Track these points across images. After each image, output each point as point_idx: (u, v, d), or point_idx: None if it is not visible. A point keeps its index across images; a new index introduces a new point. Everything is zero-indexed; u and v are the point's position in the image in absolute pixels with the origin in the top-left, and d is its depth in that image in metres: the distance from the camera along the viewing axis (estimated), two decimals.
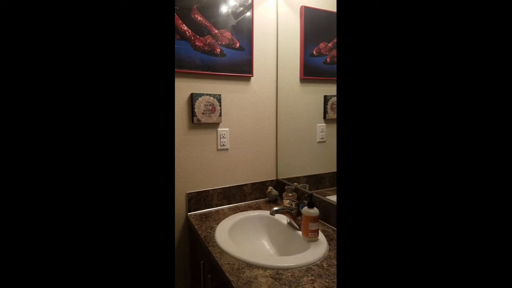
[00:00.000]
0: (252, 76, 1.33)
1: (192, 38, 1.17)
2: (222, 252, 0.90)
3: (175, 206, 1.24)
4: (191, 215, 1.23)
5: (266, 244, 1.13)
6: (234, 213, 1.22)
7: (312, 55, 1.22)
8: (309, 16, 1.23)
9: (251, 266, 0.82)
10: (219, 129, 1.29)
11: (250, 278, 0.76)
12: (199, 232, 1.06)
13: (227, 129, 1.31)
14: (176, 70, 1.16)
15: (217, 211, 1.27)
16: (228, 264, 0.83)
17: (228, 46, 1.25)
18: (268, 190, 1.36)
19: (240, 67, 1.28)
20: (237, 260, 0.85)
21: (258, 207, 1.31)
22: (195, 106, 1.21)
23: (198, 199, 1.27)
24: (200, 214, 1.24)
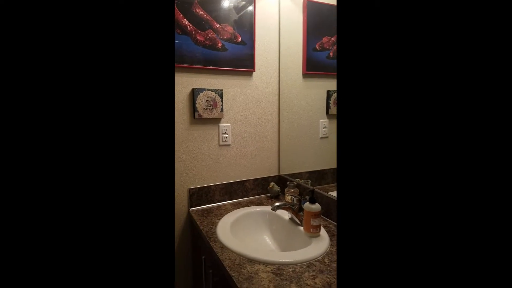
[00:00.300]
0: (254, 71, 1.32)
1: (193, 32, 1.16)
2: (224, 247, 0.90)
3: (177, 201, 1.24)
4: (192, 210, 1.23)
5: (267, 239, 1.12)
6: (236, 209, 1.22)
7: (315, 49, 1.21)
8: (312, 10, 1.21)
9: (252, 261, 0.82)
10: (220, 124, 1.29)
11: (251, 273, 0.76)
12: (201, 227, 1.06)
13: (229, 124, 1.30)
14: (177, 65, 1.15)
15: (218, 206, 1.27)
16: (229, 259, 0.83)
17: (229, 40, 1.23)
18: (270, 186, 1.36)
19: (242, 61, 1.27)
20: (239, 255, 0.85)
21: (260, 203, 1.30)
22: (196, 102, 1.20)
23: (200, 195, 1.27)
24: (202, 210, 1.24)
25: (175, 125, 1.20)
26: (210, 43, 1.20)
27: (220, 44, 1.22)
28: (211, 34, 1.19)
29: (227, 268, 0.78)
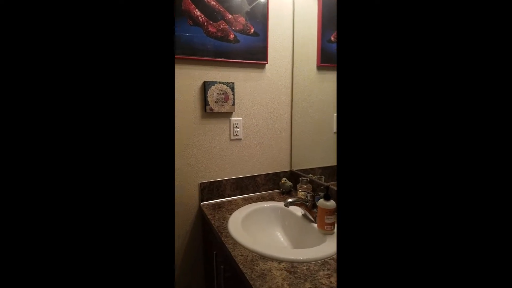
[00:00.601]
0: (267, 63, 1.28)
1: (205, 23, 1.14)
2: (235, 243, 0.89)
3: (188, 195, 1.23)
4: (203, 204, 1.22)
5: (280, 236, 1.10)
6: (247, 204, 1.20)
7: (330, 41, 1.16)
8: (327, 0, 1.16)
9: (265, 258, 0.80)
10: (232, 118, 1.26)
11: (264, 270, 0.74)
12: (212, 222, 1.05)
13: (240, 118, 1.28)
14: (189, 57, 1.13)
15: (229, 201, 1.26)
16: (242, 255, 0.81)
17: (242, 31, 1.20)
18: (282, 181, 1.34)
19: (254, 54, 1.24)
20: (251, 251, 0.83)
21: (272, 198, 1.28)
22: (207, 95, 1.18)
23: (211, 189, 1.25)
24: (213, 204, 1.23)
25: (187, 119, 1.18)
26: (222, 35, 1.17)
27: (232, 36, 1.19)
28: (223, 25, 1.16)
29: (239, 265, 0.77)
